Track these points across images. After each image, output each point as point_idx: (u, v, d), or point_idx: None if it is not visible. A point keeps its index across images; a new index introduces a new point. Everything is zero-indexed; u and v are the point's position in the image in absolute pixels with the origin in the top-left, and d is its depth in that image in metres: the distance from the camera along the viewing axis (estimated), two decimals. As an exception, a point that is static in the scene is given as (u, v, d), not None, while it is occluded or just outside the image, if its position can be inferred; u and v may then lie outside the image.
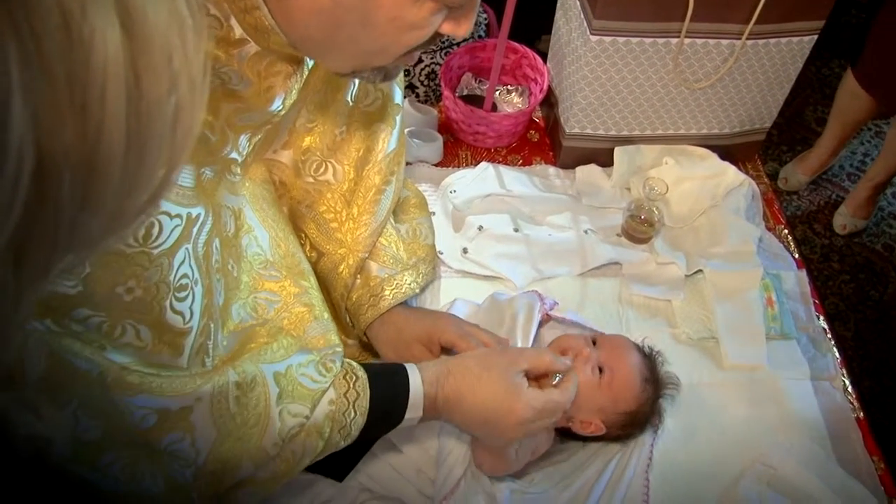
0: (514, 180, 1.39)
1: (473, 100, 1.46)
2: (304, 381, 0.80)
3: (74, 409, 0.63)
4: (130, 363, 0.67)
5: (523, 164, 1.45)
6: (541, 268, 1.28)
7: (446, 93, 1.39)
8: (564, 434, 1.11)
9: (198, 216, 0.71)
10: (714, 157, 1.42)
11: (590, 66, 1.26)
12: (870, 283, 2.42)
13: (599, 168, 1.43)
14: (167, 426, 0.70)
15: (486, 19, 1.57)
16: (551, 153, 1.47)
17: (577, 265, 1.31)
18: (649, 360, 1.12)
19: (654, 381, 1.10)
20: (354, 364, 0.87)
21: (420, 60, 1.54)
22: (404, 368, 0.87)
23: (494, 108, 1.45)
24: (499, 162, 1.43)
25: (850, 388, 1.24)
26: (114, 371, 0.65)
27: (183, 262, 0.69)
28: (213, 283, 0.75)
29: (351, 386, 0.84)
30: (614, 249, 1.33)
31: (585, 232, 1.35)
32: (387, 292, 1.05)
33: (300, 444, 0.80)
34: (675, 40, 1.22)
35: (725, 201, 1.40)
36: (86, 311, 0.61)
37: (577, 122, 1.37)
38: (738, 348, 1.25)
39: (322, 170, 1.00)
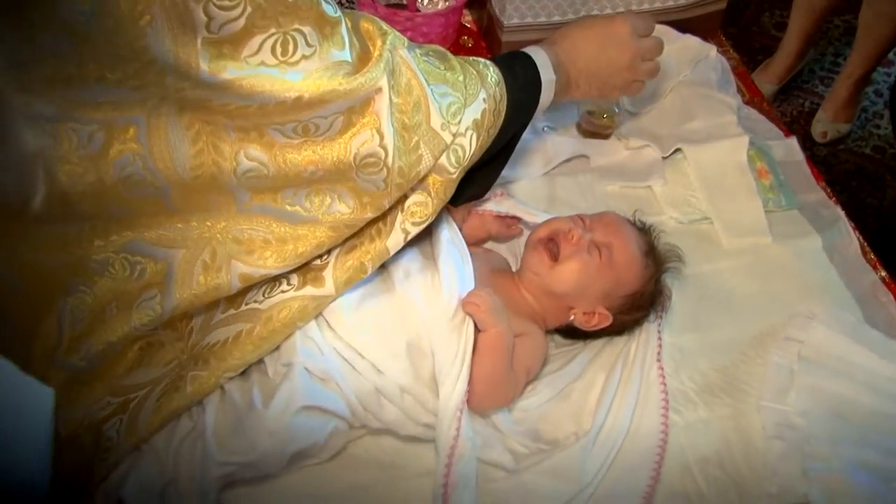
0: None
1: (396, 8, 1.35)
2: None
3: None
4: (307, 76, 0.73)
5: (461, 75, 1.35)
6: (498, 172, 1.17)
7: (363, -2, 1.29)
8: (566, 334, 1.04)
9: None
10: (672, 31, 1.33)
11: (518, -63, 1.16)
12: (864, 190, 2.35)
13: (547, 61, 1.33)
14: (353, 123, 0.79)
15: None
16: (489, 56, 1.36)
17: (539, 164, 1.21)
18: (645, 233, 1.06)
19: (655, 255, 1.03)
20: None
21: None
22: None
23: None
24: (434, 75, 1.33)
25: (868, 249, 1.15)
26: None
27: None
28: None
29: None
30: (578, 141, 1.25)
31: (543, 129, 1.25)
32: None
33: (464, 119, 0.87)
34: None
35: (694, 75, 1.32)
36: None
37: (515, 11, 1.28)
38: (736, 225, 1.17)
39: None
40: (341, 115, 0.77)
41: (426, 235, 0.97)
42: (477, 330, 0.90)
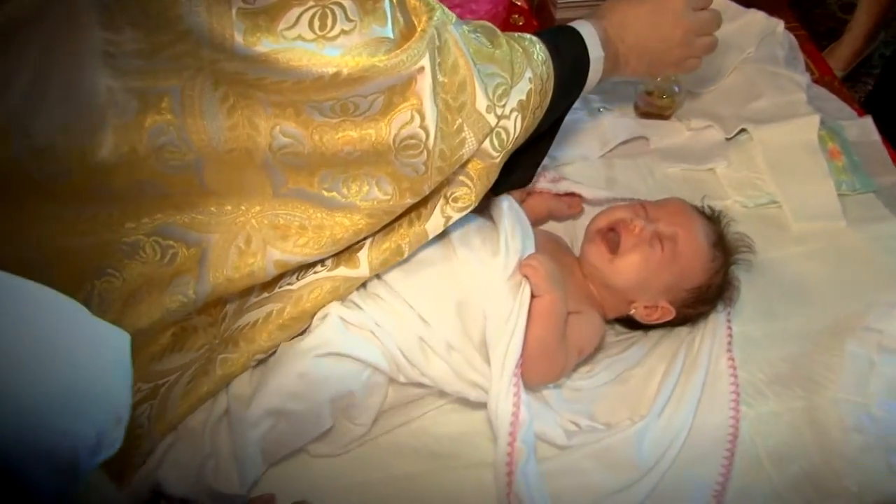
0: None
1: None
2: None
3: None
4: (346, 52, 0.71)
5: (513, 56, 1.31)
6: (553, 154, 1.14)
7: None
8: (626, 324, 1.00)
9: None
10: (734, 5, 1.28)
11: None
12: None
13: (602, 40, 1.29)
14: (395, 104, 0.75)
15: None
16: (534, 32, 1.33)
17: (596, 146, 1.17)
18: (714, 221, 1.00)
19: (724, 246, 0.97)
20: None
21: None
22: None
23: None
24: (484, 56, 1.29)
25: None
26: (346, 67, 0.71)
27: None
28: None
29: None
30: (636, 122, 1.20)
31: (598, 110, 1.21)
32: None
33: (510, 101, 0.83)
34: None
35: (759, 51, 1.26)
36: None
37: (569, -14, 1.23)
38: (807, 208, 1.11)
39: None
40: (382, 94, 0.74)
41: (485, 206, 0.94)
42: (532, 296, 0.86)
